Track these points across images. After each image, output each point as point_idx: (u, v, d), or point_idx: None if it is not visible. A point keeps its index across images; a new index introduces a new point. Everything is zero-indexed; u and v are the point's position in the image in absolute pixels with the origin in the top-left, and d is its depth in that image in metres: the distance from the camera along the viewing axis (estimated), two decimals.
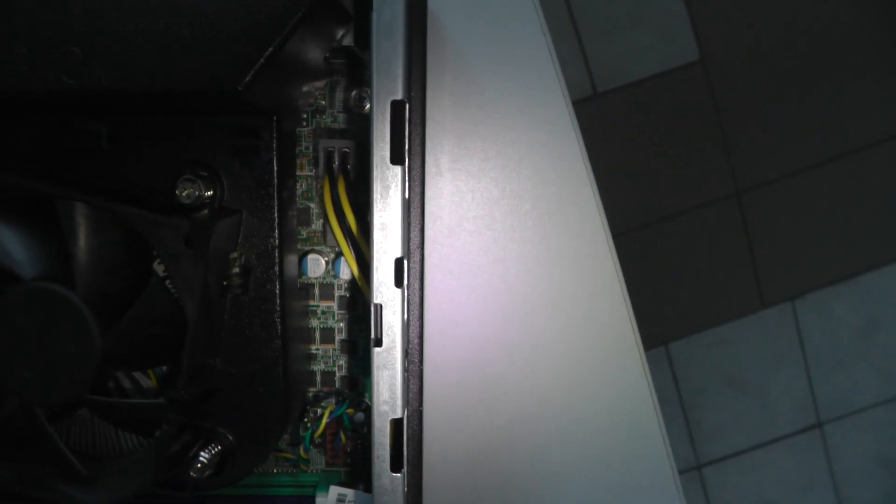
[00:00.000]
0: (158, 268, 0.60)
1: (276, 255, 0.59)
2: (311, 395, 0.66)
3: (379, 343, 0.49)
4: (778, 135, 1.81)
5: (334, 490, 0.64)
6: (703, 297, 1.85)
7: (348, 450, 0.66)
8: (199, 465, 0.59)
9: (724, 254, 1.84)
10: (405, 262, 0.49)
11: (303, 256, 0.64)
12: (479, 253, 0.66)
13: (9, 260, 0.56)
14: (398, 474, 0.51)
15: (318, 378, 0.67)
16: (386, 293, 0.49)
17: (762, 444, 1.87)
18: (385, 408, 0.50)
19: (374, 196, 0.48)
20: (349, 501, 0.64)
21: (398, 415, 0.50)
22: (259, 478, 0.67)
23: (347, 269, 0.65)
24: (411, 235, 0.49)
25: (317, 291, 0.66)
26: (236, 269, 0.58)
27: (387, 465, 0.51)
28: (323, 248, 0.65)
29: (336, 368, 0.67)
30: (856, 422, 1.88)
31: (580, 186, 0.65)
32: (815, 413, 1.87)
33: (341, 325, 0.66)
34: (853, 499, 1.88)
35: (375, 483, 0.51)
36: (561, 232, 0.66)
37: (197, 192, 0.56)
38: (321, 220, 0.65)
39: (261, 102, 0.53)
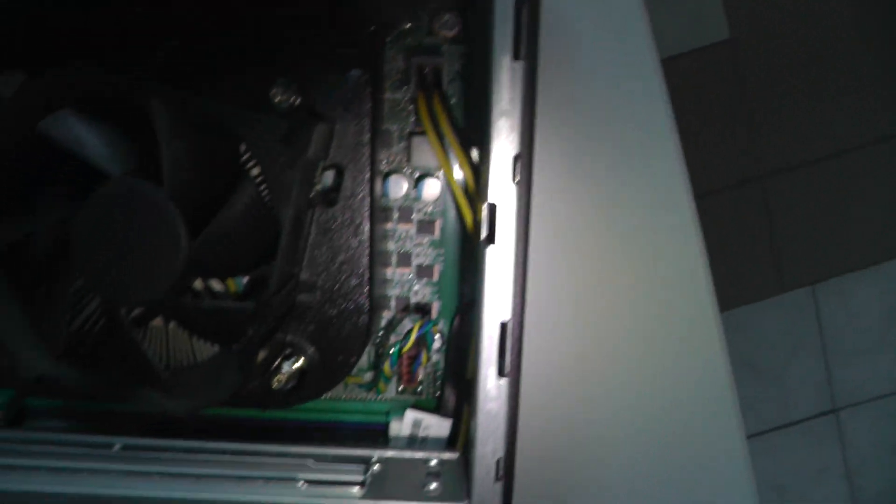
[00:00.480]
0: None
1: (369, 167, 0.57)
2: (384, 320, 0.65)
3: (492, 240, 0.48)
4: (805, 119, 1.81)
5: (410, 414, 0.62)
6: (723, 279, 1.84)
7: (420, 377, 0.65)
8: (281, 378, 0.57)
9: (745, 236, 1.84)
10: (519, 161, 0.48)
11: (384, 177, 0.63)
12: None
13: (95, 156, 0.55)
14: (503, 379, 0.49)
15: (393, 303, 0.65)
16: (501, 191, 0.48)
17: (776, 427, 1.86)
18: (494, 309, 0.48)
19: (495, 90, 0.47)
20: (425, 427, 0.62)
21: (507, 317, 0.49)
22: (327, 403, 0.65)
23: (429, 190, 0.63)
24: (531, 133, 0.48)
25: (396, 214, 0.64)
26: (321, 182, 0.57)
27: (493, 369, 0.49)
28: (405, 169, 0.64)
29: (411, 294, 0.65)
30: (872, 410, 1.88)
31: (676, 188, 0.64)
32: (830, 399, 1.87)
33: (418, 249, 0.64)
34: (866, 488, 1.88)
35: (481, 388, 0.50)
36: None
37: (290, 98, 0.54)
38: (402, 143, 0.64)
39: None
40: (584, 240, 0.66)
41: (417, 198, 0.64)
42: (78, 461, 0.53)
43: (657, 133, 0.66)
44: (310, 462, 0.54)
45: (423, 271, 0.65)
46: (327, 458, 0.54)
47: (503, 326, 0.49)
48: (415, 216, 0.65)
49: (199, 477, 0.52)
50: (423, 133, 0.63)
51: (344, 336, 0.59)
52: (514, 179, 0.47)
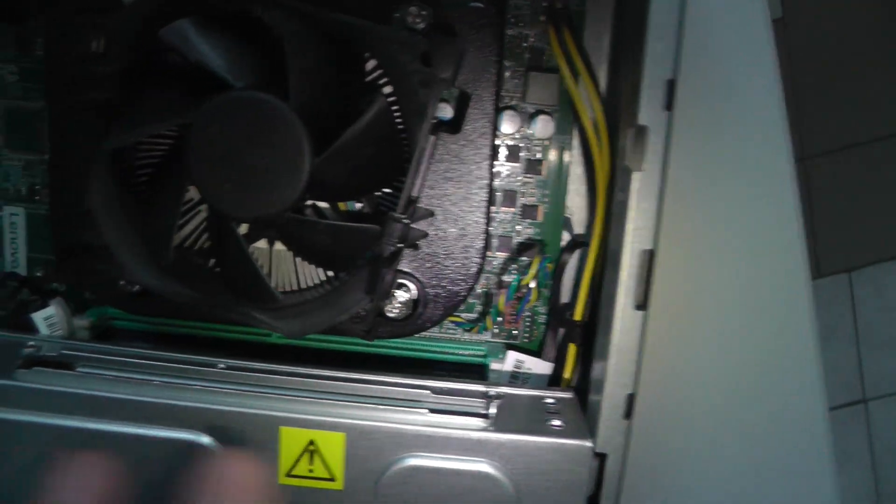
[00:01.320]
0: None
1: (493, 95, 0.55)
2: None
3: (639, 167, 0.46)
4: (850, 102, 1.79)
5: (512, 355, 0.61)
6: None
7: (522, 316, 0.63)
8: (394, 307, 0.56)
9: None
10: (676, 85, 0.46)
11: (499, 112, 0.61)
12: None
13: (219, 67, 0.53)
14: (640, 312, 0.48)
15: (495, 242, 0.64)
16: (652, 116, 0.46)
17: None
18: (638, 237, 0.47)
19: (652, 15, 0.45)
20: (526, 368, 0.60)
21: (649, 246, 0.47)
22: (424, 341, 0.64)
23: (542, 128, 0.61)
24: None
25: (504, 151, 0.62)
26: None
27: (631, 300, 0.47)
28: (518, 105, 0.62)
29: (513, 234, 0.63)
30: None
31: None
32: (860, 389, 1.86)
33: (524, 189, 0.63)
34: (890, 480, 1.88)
35: (617, 321, 0.48)
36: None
37: (422, 21, 0.53)
38: (517, 79, 0.62)
39: None
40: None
41: (529, 135, 0.62)
42: (187, 378, 0.51)
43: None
44: (427, 393, 0.52)
45: (528, 211, 0.63)
46: (443, 391, 0.53)
47: (646, 255, 0.47)
48: (523, 154, 0.62)
49: (317, 397, 0.50)
50: (539, 69, 0.61)
51: (457, 269, 0.57)
52: (665, 106, 0.45)
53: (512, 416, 0.51)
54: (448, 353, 0.65)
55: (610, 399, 0.50)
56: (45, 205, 0.67)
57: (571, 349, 0.59)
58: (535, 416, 0.52)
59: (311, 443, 0.50)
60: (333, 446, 0.50)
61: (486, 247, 0.57)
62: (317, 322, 0.53)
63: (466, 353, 0.65)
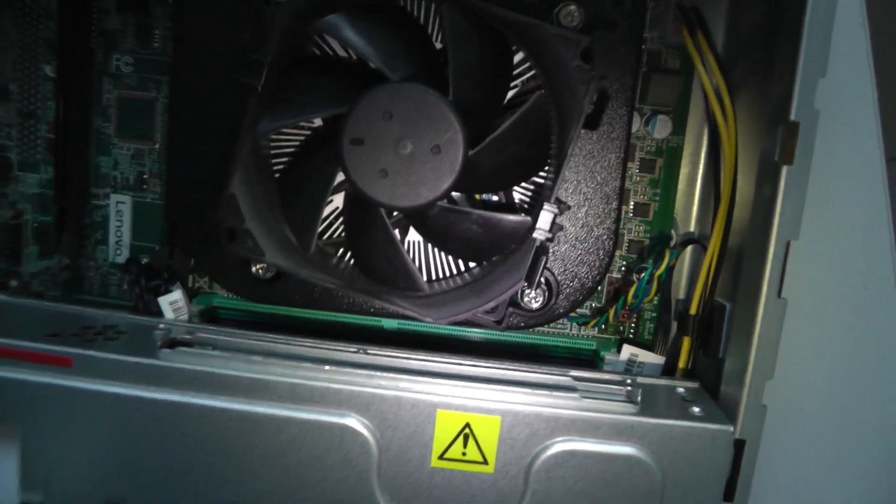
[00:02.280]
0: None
1: (631, 95, 0.57)
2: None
3: (790, 161, 0.48)
4: None
5: (628, 349, 0.62)
6: None
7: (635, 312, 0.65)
8: (533, 296, 0.57)
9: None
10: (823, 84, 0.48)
11: None
12: None
13: (375, 59, 0.54)
14: (781, 301, 0.50)
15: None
16: (804, 113, 0.48)
17: None
18: (784, 228, 0.49)
19: (808, 18, 0.47)
20: (640, 363, 0.62)
21: (794, 237, 0.49)
22: (538, 337, 0.65)
23: (660, 128, 0.63)
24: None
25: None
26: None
27: (775, 290, 0.49)
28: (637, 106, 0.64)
29: (625, 231, 0.65)
30: None
31: None
32: None
33: (638, 187, 0.65)
34: None
35: (762, 308, 0.50)
36: None
37: (573, 20, 0.54)
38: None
39: None
40: None
41: (650, 134, 0.64)
42: (334, 362, 0.52)
43: None
44: (569, 380, 0.54)
45: (640, 209, 0.65)
46: (584, 379, 0.54)
47: (787, 246, 0.49)
48: (638, 154, 0.64)
49: (472, 383, 0.52)
50: (658, 70, 0.63)
51: (589, 262, 0.59)
52: (814, 104, 0.48)
53: (654, 403, 0.53)
54: (556, 348, 0.66)
55: (751, 386, 0.51)
56: (152, 193, 0.67)
57: (686, 342, 0.61)
58: (674, 403, 0.54)
59: (467, 426, 0.51)
60: (488, 430, 0.51)
61: (616, 243, 0.58)
62: (462, 310, 0.54)
63: (569, 346, 0.67)
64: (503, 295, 0.53)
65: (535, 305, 0.56)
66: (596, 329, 0.67)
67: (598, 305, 0.66)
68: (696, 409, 0.53)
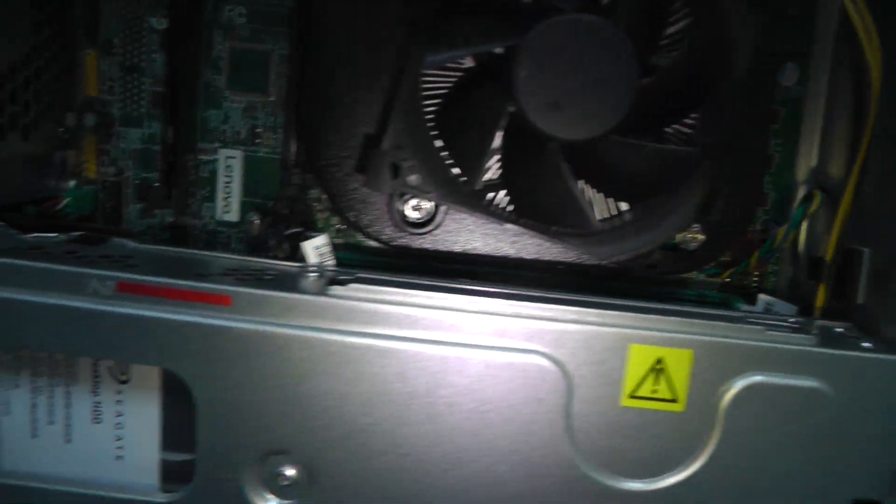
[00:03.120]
0: None
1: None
2: None
3: None
4: None
5: (763, 297, 0.62)
6: None
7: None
8: (693, 238, 0.57)
9: None
10: None
11: None
12: None
13: None
14: None
15: None
16: None
17: None
18: None
19: None
20: (775, 311, 0.62)
21: None
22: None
23: (788, 75, 0.64)
24: None
25: None
26: None
27: None
28: None
29: None
30: None
31: None
32: None
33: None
34: None
35: None
36: None
37: None
38: None
39: None
40: None
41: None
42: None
43: None
44: (741, 314, 0.53)
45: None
46: (753, 314, 0.54)
47: None
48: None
49: (664, 314, 0.50)
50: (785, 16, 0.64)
51: (741, 206, 0.58)
52: None
53: (829, 338, 0.52)
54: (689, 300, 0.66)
55: None
56: (266, 147, 0.65)
57: (822, 288, 0.61)
58: (842, 339, 0.53)
59: (659, 361, 0.50)
60: (680, 365, 0.50)
61: (761, 190, 0.58)
62: (629, 247, 0.53)
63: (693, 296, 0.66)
64: (672, 231, 0.52)
65: (692, 247, 0.55)
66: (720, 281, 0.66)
67: (725, 259, 0.66)
68: (865, 344, 0.52)
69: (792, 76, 0.63)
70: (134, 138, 0.65)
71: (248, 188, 0.65)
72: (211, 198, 0.65)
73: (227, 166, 0.65)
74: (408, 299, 0.49)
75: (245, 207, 0.65)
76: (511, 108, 0.52)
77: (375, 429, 0.49)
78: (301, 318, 0.48)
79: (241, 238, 0.65)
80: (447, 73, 0.56)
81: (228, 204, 0.65)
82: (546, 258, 0.57)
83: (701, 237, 0.56)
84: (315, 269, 0.54)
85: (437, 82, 0.56)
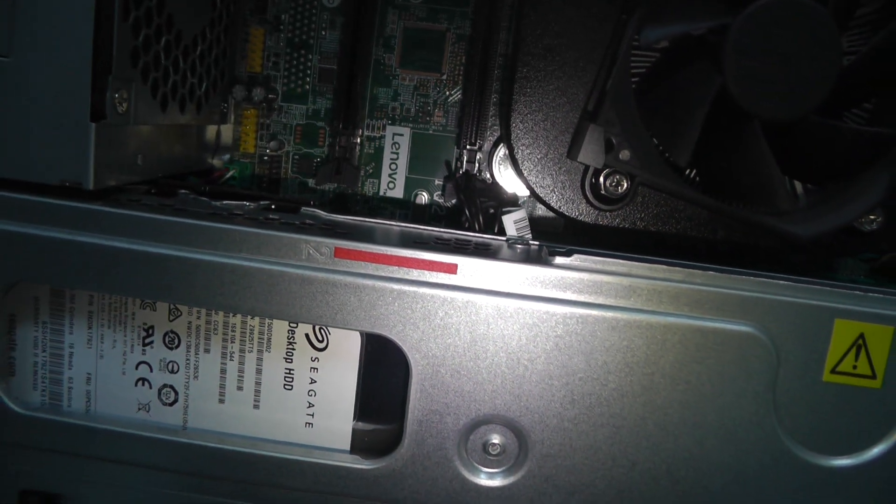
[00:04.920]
0: None
1: None
2: None
3: None
4: None
5: None
6: None
7: None
8: (871, 219, 0.58)
9: None
10: None
11: None
12: None
13: None
14: None
15: None
16: None
17: None
18: None
19: None
20: None
21: None
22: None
23: None
24: None
25: None
26: None
27: None
28: None
29: None
30: None
31: None
32: None
33: None
34: None
35: None
36: None
37: None
38: None
39: None
40: None
41: None
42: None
43: None
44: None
45: None
46: None
47: None
48: None
49: (866, 291, 0.52)
50: None
51: None
52: None
53: None
54: None
55: None
56: (436, 125, 0.66)
57: None
58: None
59: (861, 337, 0.51)
60: (881, 341, 0.51)
61: None
62: (828, 223, 0.54)
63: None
64: (857, 214, 0.54)
65: (871, 228, 0.57)
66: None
67: None
68: None
69: None
70: (297, 114, 0.66)
71: (416, 165, 0.66)
72: (377, 174, 0.66)
73: (395, 143, 0.65)
74: (631, 270, 0.49)
75: (410, 184, 0.65)
76: (718, 87, 0.53)
77: (593, 399, 0.50)
78: (526, 287, 0.50)
79: (406, 215, 0.66)
80: (655, 53, 0.57)
81: (394, 181, 0.66)
82: (735, 238, 0.58)
83: (880, 220, 0.57)
84: (518, 240, 0.54)
85: (646, 62, 0.57)
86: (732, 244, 0.58)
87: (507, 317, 0.50)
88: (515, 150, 0.57)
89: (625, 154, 0.53)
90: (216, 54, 0.64)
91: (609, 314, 0.50)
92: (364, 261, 0.50)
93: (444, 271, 0.50)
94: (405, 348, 0.50)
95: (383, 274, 0.50)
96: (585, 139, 0.54)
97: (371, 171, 0.67)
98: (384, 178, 0.66)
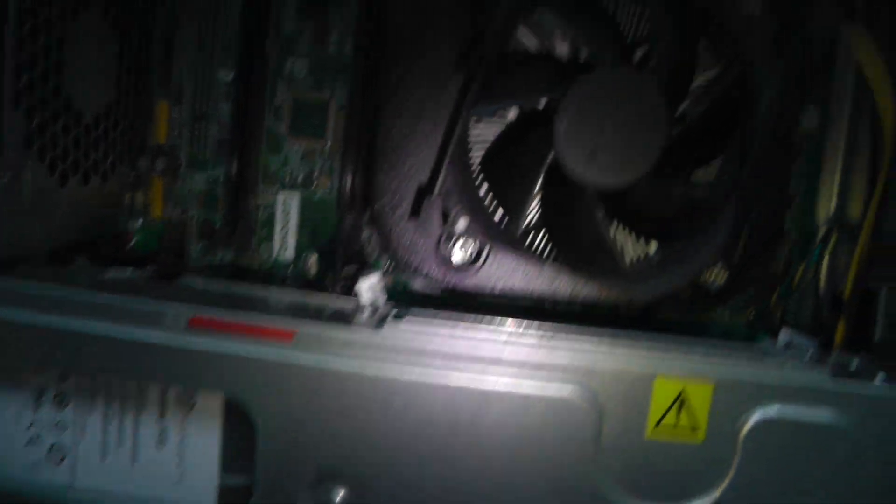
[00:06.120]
0: None
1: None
2: None
3: None
4: None
5: (785, 332, 0.65)
6: None
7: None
8: (717, 274, 0.60)
9: None
10: None
11: None
12: None
13: (587, 46, 0.58)
14: None
15: None
16: None
17: None
18: None
19: None
20: (796, 345, 0.65)
21: None
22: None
23: (808, 118, 0.67)
24: None
25: None
26: None
27: None
28: None
29: None
30: None
31: None
32: None
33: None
34: None
35: None
36: None
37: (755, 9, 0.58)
38: None
39: None
40: None
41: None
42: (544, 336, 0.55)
43: None
44: (758, 350, 0.57)
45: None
46: (769, 350, 0.57)
47: None
48: None
49: (686, 350, 0.55)
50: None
51: (761, 245, 0.62)
52: None
53: (844, 373, 0.56)
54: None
55: None
56: (322, 190, 0.70)
57: (841, 324, 0.64)
58: (858, 374, 0.56)
59: (682, 394, 0.53)
60: (702, 398, 0.54)
61: (783, 228, 0.62)
62: (658, 286, 0.57)
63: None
64: (698, 272, 0.56)
65: (718, 284, 0.59)
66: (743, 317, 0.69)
67: (750, 294, 0.69)
68: (881, 379, 0.56)
69: (813, 119, 0.67)
70: (199, 181, 0.71)
71: (304, 229, 0.70)
72: (269, 237, 0.70)
73: (285, 208, 0.70)
74: (454, 333, 0.53)
75: (301, 247, 0.70)
76: (551, 158, 0.57)
77: (422, 458, 0.54)
78: (356, 351, 0.53)
79: (298, 276, 0.70)
80: (494, 124, 0.61)
81: (285, 243, 0.70)
82: (580, 297, 0.61)
83: (724, 275, 0.59)
84: (370, 305, 0.58)
85: (484, 133, 0.61)
86: (578, 304, 0.61)
87: (338, 380, 0.54)
88: (378, 213, 0.61)
89: (463, 222, 0.57)
90: (122, 128, 0.69)
91: (432, 376, 0.53)
92: (214, 328, 0.55)
93: (283, 338, 0.54)
94: (250, 410, 0.55)
95: (231, 341, 0.54)
96: (423, 207, 0.58)
97: (265, 235, 0.71)
98: (277, 242, 0.71)
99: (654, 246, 0.62)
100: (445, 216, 0.57)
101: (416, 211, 0.59)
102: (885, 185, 0.61)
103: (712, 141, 0.58)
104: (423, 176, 0.60)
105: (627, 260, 0.61)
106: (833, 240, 0.64)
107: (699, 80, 0.61)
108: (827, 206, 0.68)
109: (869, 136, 0.65)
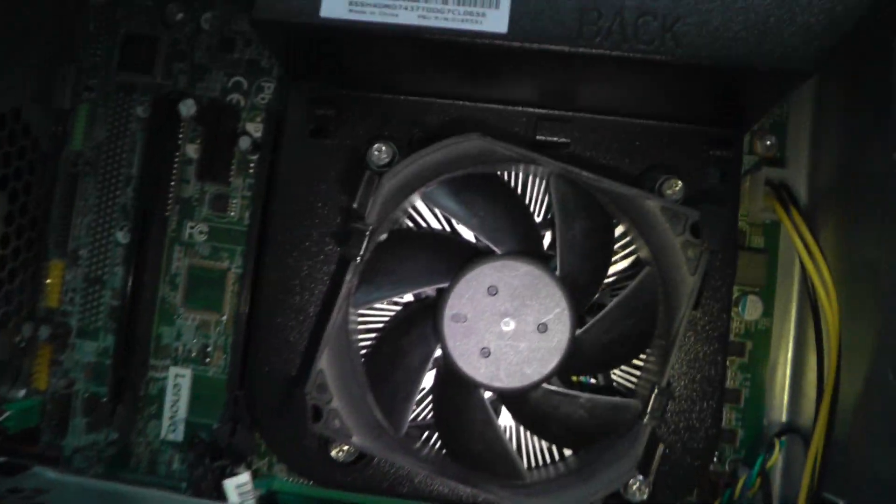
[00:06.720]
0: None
1: (731, 277, 0.56)
2: None
3: None
4: None
5: None
6: None
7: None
8: (638, 486, 0.53)
9: None
10: None
11: None
12: None
13: (482, 231, 0.53)
14: None
15: None
16: None
17: None
18: None
19: None
20: None
21: None
22: None
23: (751, 310, 0.61)
24: None
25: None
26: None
27: None
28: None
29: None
30: None
31: None
32: None
33: (728, 372, 0.62)
34: None
35: None
36: None
37: (674, 194, 0.54)
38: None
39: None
40: None
41: (735, 317, 0.62)
42: None
43: None
44: None
45: (730, 395, 0.62)
46: None
47: None
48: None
49: None
50: (745, 249, 0.62)
51: (692, 450, 0.55)
52: None
53: None
54: None
55: None
56: (215, 367, 0.64)
57: None
58: None
59: None
60: None
61: (719, 431, 0.54)
62: (570, 499, 0.49)
63: None
64: (612, 484, 0.49)
65: (641, 497, 0.51)
66: None
67: (690, 500, 0.61)
68: None
69: (754, 310, 0.61)
70: (88, 351, 0.65)
71: (195, 409, 0.63)
72: (158, 415, 0.63)
73: (176, 385, 0.64)
74: None
75: (190, 428, 0.63)
76: (438, 353, 0.50)
77: None
78: None
79: (185, 460, 0.63)
80: (387, 307, 0.55)
81: (174, 424, 0.63)
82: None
83: (647, 488, 0.51)
84: None
85: (367, 322, 0.55)
86: None
87: None
88: (257, 407, 0.55)
89: (336, 423, 0.50)
90: (8, 290, 0.64)
91: None
92: None
93: None
94: None
95: None
96: (295, 405, 0.51)
97: (154, 412, 0.64)
98: (165, 422, 0.64)
99: (566, 452, 0.53)
100: (318, 414, 0.49)
101: (285, 404, 0.52)
102: (833, 397, 0.54)
103: (631, 340, 0.51)
104: (295, 364, 0.53)
105: (530, 468, 0.53)
106: (776, 452, 0.57)
107: (615, 270, 0.54)
108: (780, 404, 0.64)
109: (815, 335, 0.59)
